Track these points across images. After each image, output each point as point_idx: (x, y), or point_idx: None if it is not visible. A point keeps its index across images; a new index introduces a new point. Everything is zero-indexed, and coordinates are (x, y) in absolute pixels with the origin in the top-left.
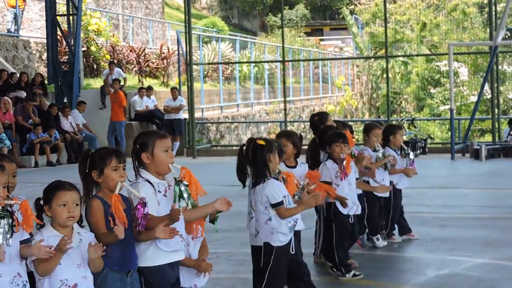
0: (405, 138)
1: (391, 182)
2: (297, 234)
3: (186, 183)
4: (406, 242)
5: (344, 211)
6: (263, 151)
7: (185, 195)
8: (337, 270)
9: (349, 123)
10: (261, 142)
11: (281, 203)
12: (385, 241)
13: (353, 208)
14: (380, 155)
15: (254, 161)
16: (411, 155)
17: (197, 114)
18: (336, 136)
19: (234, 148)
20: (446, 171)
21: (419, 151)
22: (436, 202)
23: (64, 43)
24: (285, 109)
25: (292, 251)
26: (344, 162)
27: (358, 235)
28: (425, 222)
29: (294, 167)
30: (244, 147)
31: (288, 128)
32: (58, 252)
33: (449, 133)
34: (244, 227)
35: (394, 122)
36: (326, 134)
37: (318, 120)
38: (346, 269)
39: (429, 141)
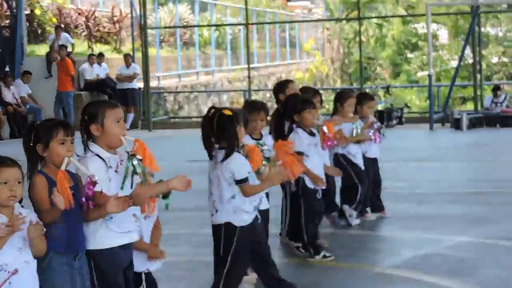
0: (380, 107)
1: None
2: (264, 213)
3: (139, 157)
4: (380, 220)
5: (312, 185)
6: (232, 122)
7: (139, 171)
8: (305, 251)
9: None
10: (229, 113)
11: (247, 179)
12: (358, 219)
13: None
14: (358, 129)
15: (221, 134)
16: (382, 131)
17: (153, 83)
18: (306, 102)
19: (194, 120)
20: (424, 143)
21: (395, 121)
22: (413, 177)
23: (5, 5)
24: (249, 77)
25: (256, 234)
26: (326, 129)
27: (329, 212)
28: (401, 198)
29: (259, 139)
30: (208, 118)
31: (253, 98)
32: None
33: (428, 101)
34: (205, 206)
35: (367, 90)
36: (291, 103)
37: (280, 89)
38: (316, 250)
39: (406, 110)
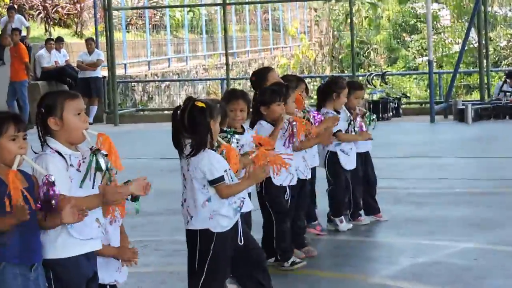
0: (374, 97)
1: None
2: (245, 217)
3: (104, 152)
4: (375, 224)
5: (277, 181)
6: (204, 115)
7: (103, 168)
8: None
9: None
10: (201, 105)
11: (221, 178)
12: (349, 223)
13: (288, 177)
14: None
15: (192, 128)
16: (367, 119)
17: (119, 71)
18: (274, 93)
19: (166, 112)
20: (425, 137)
21: (391, 113)
22: (412, 175)
23: None
24: (227, 64)
25: (240, 242)
26: (295, 125)
27: (312, 220)
28: (398, 199)
29: (241, 133)
30: (180, 110)
31: (231, 87)
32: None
33: (428, 90)
34: (177, 209)
35: (360, 78)
36: (259, 95)
37: (256, 79)
38: (284, 255)
39: (404, 100)
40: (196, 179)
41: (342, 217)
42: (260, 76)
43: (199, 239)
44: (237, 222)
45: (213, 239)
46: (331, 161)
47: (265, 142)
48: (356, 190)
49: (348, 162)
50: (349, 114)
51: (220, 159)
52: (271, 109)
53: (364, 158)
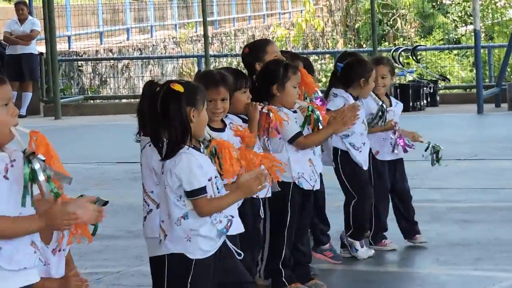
0: (404, 80)
1: (370, 151)
2: (234, 241)
3: (42, 157)
4: (407, 249)
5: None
6: (180, 102)
7: (41, 177)
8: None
9: (311, 56)
10: (178, 88)
11: (202, 191)
12: (370, 249)
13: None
14: (375, 111)
15: (165, 119)
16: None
17: (61, 46)
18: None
19: (124, 101)
20: (470, 133)
21: (424, 101)
22: (455, 184)
23: None
24: (205, 36)
25: (239, 256)
26: (272, 115)
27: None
28: (437, 216)
29: (222, 130)
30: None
31: (211, 68)
32: None
33: (474, 70)
34: (141, 231)
35: (384, 54)
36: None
37: (251, 53)
38: (276, 275)
39: (442, 84)
40: (170, 187)
41: (363, 240)
42: (256, 48)
43: (169, 266)
44: (222, 246)
45: (191, 267)
46: (345, 161)
47: (247, 137)
48: (380, 204)
49: (362, 162)
50: (380, 103)
51: (205, 163)
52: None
53: (393, 166)
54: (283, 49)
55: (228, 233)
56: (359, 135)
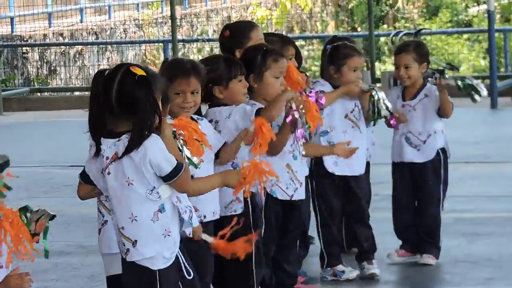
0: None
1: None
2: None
3: None
4: (409, 267)
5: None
6: (147, 87)
7: None
8: None
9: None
10: (140, 72)
11: (181, 165)
12: (355, 269)
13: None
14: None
15: (125, 108)
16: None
17: (2, 30)
18: (235, 67)
19: (77, 94)
20: (482, 132)
21: None
22: (463, 191)
23: None
24: (172, 18)
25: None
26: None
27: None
28: (442, 228)
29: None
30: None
31: (180, 54)
32: None
33: (488, 58)
34: (96, 245)
35: (382, 40)
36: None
37: (232, 37)
38: None
39: (450, 74)
40: (140, 181)
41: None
42: (238, 33)
43: (157, 275)
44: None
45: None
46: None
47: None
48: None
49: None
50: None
51: (172, 143)
52: (230, 89)
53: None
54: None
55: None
56: (341, 132)
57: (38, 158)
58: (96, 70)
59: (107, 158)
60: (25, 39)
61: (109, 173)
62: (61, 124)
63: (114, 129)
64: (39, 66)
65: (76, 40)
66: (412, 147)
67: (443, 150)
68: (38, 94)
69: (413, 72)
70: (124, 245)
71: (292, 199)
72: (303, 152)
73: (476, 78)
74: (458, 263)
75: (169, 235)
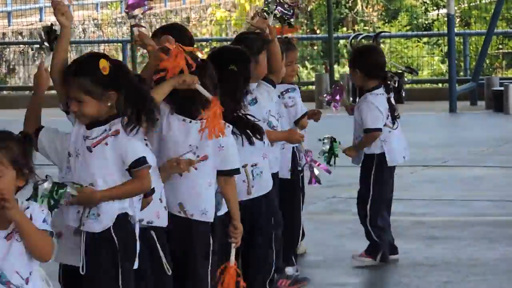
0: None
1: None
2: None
3: None
4: (366, 270)
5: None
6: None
7: None
8: None
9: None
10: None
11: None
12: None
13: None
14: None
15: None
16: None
17: None
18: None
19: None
20: (440, 135)
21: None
22: (420, 194)
23: None
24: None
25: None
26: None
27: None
28: (400, 231)
29: None
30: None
31: (139, 54)
32: None
33: (447, 62)
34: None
35: (342, 42)
36: None
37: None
38: None
39: (409, 77)
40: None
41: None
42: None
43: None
44: None
45: None
46: None
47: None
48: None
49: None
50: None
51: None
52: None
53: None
54: (223, 34)
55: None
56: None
57: None
58: None
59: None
60: None
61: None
62: (20, 125)
63: None
64: None
65: (35, 39)
66: None
67: None
68: (1, 93)
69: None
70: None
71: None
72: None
73: (435, 82)
74: (416, 266)
75: None
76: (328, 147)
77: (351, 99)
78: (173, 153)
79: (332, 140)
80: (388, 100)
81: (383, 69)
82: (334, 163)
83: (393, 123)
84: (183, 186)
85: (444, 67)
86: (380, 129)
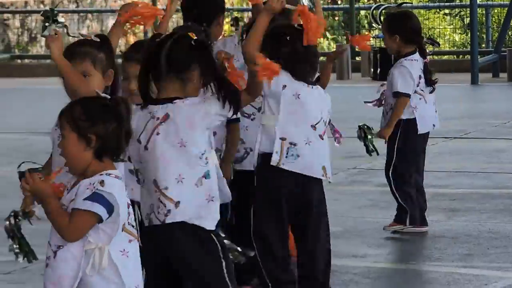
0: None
1: None
2: None
3: None
4: (387, 242)
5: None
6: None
7: None
8: None
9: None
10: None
11: None
12: None
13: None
14: None
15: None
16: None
17: None
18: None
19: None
20: (462, 107)
21: None
22: (441, 166)
23: None
24: None
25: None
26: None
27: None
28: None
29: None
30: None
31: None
32: None
33: (469, 33)
34: None
35: (362, 13)
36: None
37: None
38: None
39: (430, 49)
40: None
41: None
42: None
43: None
44: None
45: None
46: None
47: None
48: None
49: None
50: None
51: None
52: None
53: None
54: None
55: None
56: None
57: (17, 125)
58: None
59: (157, 118)
60: (5, 6)
61: (158, 134)
62: (41, 91)
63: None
64: (19, 34)
65: (56, 6)
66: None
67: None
68: (18, 61)
69: (386, 43)
70: (163, 208)
71: None
72: None
73: (457, 54)
74: (436, 238)
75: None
76: (362, 138)
77: (372, 70)
78: None
79: (363, 128)
80: (425, 65)
81: (420, 34)
82: (375, 150)
83: (430, 89)
84: (325, 148)
85: (466, 39)
86: (409, 95)
